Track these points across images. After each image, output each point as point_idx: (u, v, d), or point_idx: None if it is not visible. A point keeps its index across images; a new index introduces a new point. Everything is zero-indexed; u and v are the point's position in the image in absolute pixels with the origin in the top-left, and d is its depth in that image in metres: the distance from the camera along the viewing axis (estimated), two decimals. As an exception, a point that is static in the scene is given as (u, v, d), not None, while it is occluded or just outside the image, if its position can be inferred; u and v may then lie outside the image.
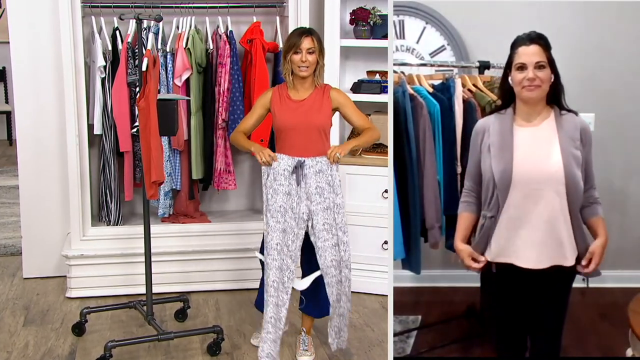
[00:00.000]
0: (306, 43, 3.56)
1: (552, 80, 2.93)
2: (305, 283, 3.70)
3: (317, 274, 3.67)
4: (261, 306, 3.71)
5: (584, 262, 2.95)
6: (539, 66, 2.88)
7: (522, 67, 2.89)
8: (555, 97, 2.97)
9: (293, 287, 3.63)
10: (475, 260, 3.03)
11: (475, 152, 3.07)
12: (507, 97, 3.02)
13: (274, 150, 3.64)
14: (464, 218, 3.13)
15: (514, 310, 3.07)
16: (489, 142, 2.99)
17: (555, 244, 2.93)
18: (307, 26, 4.52)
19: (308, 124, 3.59)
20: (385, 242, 4.62)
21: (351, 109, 3.68)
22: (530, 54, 2.88)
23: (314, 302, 3.76)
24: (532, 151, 2.92)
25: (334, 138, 4.52)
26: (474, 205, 3.10)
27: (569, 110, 2.99)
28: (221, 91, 4.63)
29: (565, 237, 2.93)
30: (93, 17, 4.55)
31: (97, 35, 4.52)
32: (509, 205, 2.93)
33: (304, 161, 3.57)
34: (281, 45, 4.64)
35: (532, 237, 2.93)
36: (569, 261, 2.95)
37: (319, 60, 3.60)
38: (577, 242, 2.95)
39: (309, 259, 3.68)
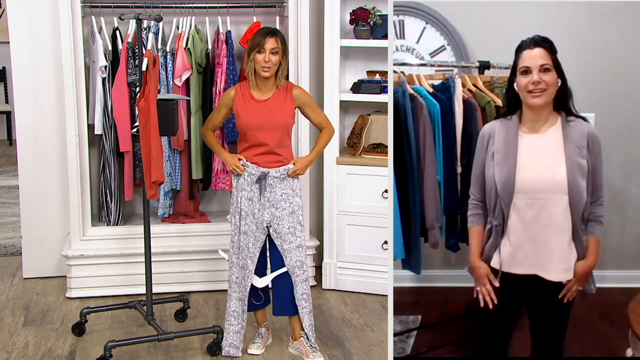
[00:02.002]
0: (270, 43, 3.61)
1: (559, 85, 2.87)
2: (264, 281, 3.82)
3: (275, 273, 3.80)
4: None
5: (564, 281, 2.92)
6: (544, 69, 2.82)
7: (527, 71, 2.84)
8: (562, 103, 2.91)
9: (253, 284, 3.82)
10: (490, 281, 3.00)
11: (481, 158, 3.03)
12: (512, 103, 2.97)
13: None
14: (476, 232, 3.08)
15: (510, 316, 3.05)
16: (493, 149, 2.95)
17: (557, 255, 2.90)
18: (308, 26, 4.56)
19: (272, 124, 3.68)
20: (385, 242, 4.62)
21: (312, 107, 3.82)
22: (534, 57, 2.84)
23: (284, 300, 3.82)
24: (537, 160, 2.88)
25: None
26: (483, 217, 3.06)
27: (577, 116, 2.93)
28: (218, 91, 4.63)
29: (566, 249, 2.90)
30: (93, 17, 4.55)
31: (97, 35, 4.52)
32: (512, 214, 2.90)
33: (268, 172, 3.69)
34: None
35: (534, 247, 2.91)
36: (569, 273, 2.92)
37: (281, 62, 3.65)
38: (578, 255, 2.93)
39: (275, 258, 3.81)
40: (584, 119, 2.94)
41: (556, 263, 2.91)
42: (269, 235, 3.79)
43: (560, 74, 2.87)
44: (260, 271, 3.83)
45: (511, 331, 3.07)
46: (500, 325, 3.07)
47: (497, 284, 2.98)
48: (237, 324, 3.82)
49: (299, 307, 3.79)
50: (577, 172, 2.84)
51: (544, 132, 2.91)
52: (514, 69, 2.93)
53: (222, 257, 3.99)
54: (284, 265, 3.78)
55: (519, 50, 2.90)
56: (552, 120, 2.92)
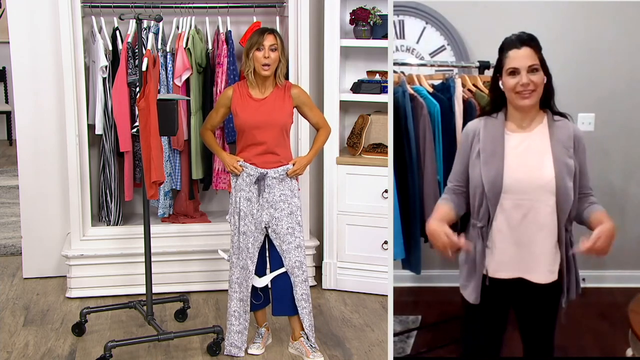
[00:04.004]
0: (269, 40, 3.62)
1: (545, 82, 2.82)
2: (264, 281, 3.82)
3: (275, 273, 3.80)
4: None
5: (588, 244, 2.70)
6: (532, 70, 2.76)
7: (515, 72, 2.78)
8: (546, 101, 2.86)
9: (253, 285, 3.82)
10: (452, 245, 2.79)
11: (465, 155, 2.96)
12: (498, 101, 2.91)
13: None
14: (444, 207, 2.93)
15: (499, 318, 3.01)
16: (478, 148, 2.88)
17: (543, 257, 2.85)
18: (308, 26, 4.57)
19: (270, 123, 3.69)
20: (385, 242, 4.62)
21: (310, 107, 3.83)
22: (522, 57, 2.77)
23: (284, 300, 3.82)
24: (524, 160, 2.83)
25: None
26: (455, 204, 2.94)
27: (562, 115, 2.89)
28: (218, 91, 4.63)
29: (551, 250, 2.85)
30: (93, 17, 4.55)
31: (97, 35, 4.52)
32: (498, 215, 2.84)
33: (267, 173, 3.69)
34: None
35: (520, 250, 2.86)
36: (554, 275, 2.87)
37: (280, 59, 3.65)
38: (562, 256, 2.87)
39: (274, 258, 3.81)
40: (568, 117, 2.90)
41: (542, 265, 2.86)
42: (267, 236, 3.80)
43: (546, 71, 2.81)
44: (259, 271, 3.83)
45: (502, 332, 3.03)
46: (491, 328, 3.02)
47: (461, 243, 2.77)
48: (238, 324, 3.82)
49: (298, 308, 3.79)
50: (565, 172, 2.80)
51: (530, 131, 2.86)
52: (498, 67, 2.86)
53: (222, 257, 3.99)
54: (283, 266, 3.78)
55: (504, 49, 2.82)
56: (539, 118, 2.87)
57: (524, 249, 2.85)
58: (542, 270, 2.87)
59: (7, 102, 9.45)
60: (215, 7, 4.68)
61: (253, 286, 3.82)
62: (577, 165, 2.84)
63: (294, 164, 3.75)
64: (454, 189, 2.98)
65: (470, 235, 2.93)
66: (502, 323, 3.02)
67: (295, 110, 3.79)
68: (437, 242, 2.81)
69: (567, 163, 2.81)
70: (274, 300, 3.86)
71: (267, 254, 3.85)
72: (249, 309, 3.84)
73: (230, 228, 3.85)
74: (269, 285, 3.85)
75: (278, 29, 4.75)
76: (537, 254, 2.85)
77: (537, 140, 2.85)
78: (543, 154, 2.82)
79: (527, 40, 2.79)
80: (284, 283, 3.79)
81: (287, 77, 3.97)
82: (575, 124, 2.91)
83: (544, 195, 2.80)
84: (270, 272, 3.82)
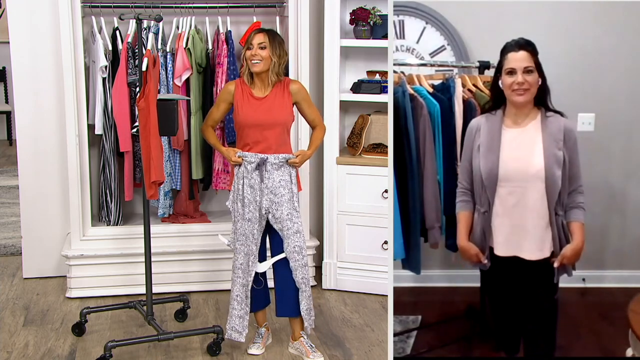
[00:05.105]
0: (257, 39, 3.68)
1: (540, 83, 3.07)
2: (265, 266, 3.85)
3: (276, 258, 3.82)
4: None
5: (555, 264, 3.07)
6: (527, 71, 3.03)
7: (512, 72, 3.04)
8: (541, 99, 3.11)
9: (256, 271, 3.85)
10: (478, 261, 3.17)
11: (468, 150, 3.22)
12: (497, 99, 3.17)
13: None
14: (465, 216, 3.25)
15: (507, 302, 3.21)
16: (479, 142, 3.15)
17: (533, 236, 3.07)
18: (308, 26, 4.56)
19: (271, 122, 3.71)
20: (385, 242, 4.62)
21: (308, 103, 3.85)
22: (518, 59, 3.04)
23: (286, 302, 3.83)
24: (518, 152, 3.08)
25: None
26: (471, 204, 3.23)
27: (555, 112, 3.12)
28: (218, 91, 4.63)
29: (542, 231, 3.07)
30: (93, 17, 4.55)
31: (97, 35, 4.52)
32: (496, 201, 3.10)
33: (267, 158, 3.71)
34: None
35: (514, 230, 3.09)
36: (545, 253, 3.08)
37: (272, 57, 3.68)
38: (553, 237, 3.08)
39: (275, 244, 3.84)
40: (561, 114, 3.13)
41: (533, 244, 3.09)
42: (267, 221, 3.81)
43: (541, 73, 3.07)
44: (260, 257, 3.84)
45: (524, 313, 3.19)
46: (505, 314, 3.24)
47: (485, 262, 3.16)
48: (240, 309, 3.83)
49: (299, 290, 3.80)
50: (554, 162, 3.04)
51: (525, 127, 3.11)
52: (499, 68, 3.13)
53: (222, 242, 3.98)
54: (283, 250, 3.80)
55: (504, 52, 3.11)
56: (533, 115, 3.12)
57: (517, 229, 3.10)
58: (533, 248, 3.10)
59: (7, 102, 9.45)
60: (215, 7, 4.68)
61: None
62: (567, 157, 3.07)
63: (297, 156, 3.76)
64: (465, 192, 3.24)
65: (476, 219, 3.22)
66: (512, 302, 3.23)
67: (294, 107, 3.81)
68: (466, 257, 3.22)
69: (556, 154, 3.05)
70: (277, 301, 3.86)
71: (268, 239, 3.86)
72: (250, 294, 3.84)
73: (232, 215, 3.85)
74: (268, 277, 3.86)
75: (278, 29, 4.76)
76: (528, 234, 3.09)
77: (530, 135, 3.10)
78: (534, 145, 3.08)
79: (524, 45, 3.08)
80: (286, 283, 3.79)
81: (286, 74, 3.96)
82: (567, 119, 3.13)
83: (534, 183, 3.05)
84: (271, 257, 3.83)
